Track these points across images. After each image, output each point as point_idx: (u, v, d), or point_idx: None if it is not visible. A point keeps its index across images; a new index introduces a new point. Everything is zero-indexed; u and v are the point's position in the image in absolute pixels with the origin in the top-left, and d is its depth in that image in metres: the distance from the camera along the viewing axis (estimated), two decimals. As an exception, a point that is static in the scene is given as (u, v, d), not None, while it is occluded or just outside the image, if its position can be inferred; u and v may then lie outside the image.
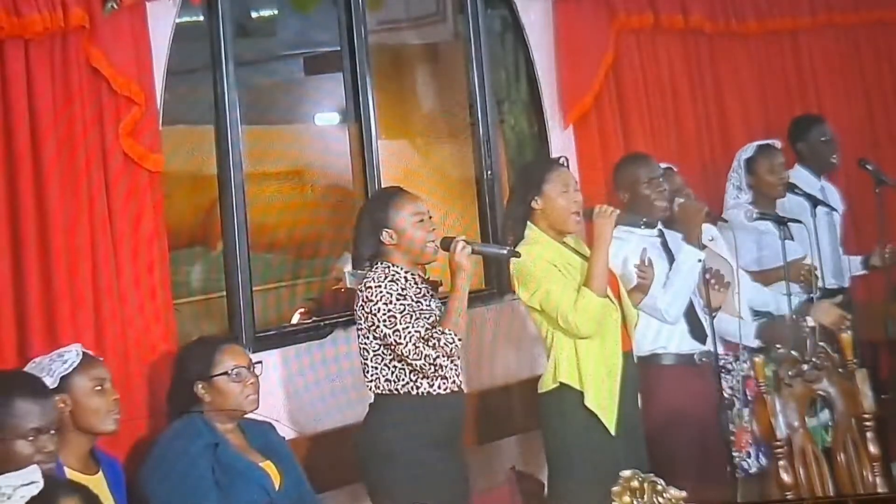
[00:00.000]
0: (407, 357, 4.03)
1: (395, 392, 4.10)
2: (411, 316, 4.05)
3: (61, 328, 3.79)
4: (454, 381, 4.15)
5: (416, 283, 4.15)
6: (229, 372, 3.88)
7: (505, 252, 4.34)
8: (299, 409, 4.56)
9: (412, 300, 4.09)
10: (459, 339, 4.08)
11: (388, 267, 4.12)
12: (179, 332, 4.25)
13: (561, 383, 4.38)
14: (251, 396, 3.91)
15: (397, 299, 4.05)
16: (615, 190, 4.94)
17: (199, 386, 3.87)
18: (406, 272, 4.14)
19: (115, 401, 3.65)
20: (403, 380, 4.10)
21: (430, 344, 4.02)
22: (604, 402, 4.37)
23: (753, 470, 4.80)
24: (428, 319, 4.10)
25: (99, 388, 3.61)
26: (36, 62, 3.79)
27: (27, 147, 3.77)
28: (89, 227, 3.91)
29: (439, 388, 4.11)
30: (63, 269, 3.82)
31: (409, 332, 4.03)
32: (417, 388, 4.10)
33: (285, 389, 4.54)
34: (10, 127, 3.75)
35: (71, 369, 3.57)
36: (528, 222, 4.48)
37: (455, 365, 4.16)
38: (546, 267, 4.38)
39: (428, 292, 4.20)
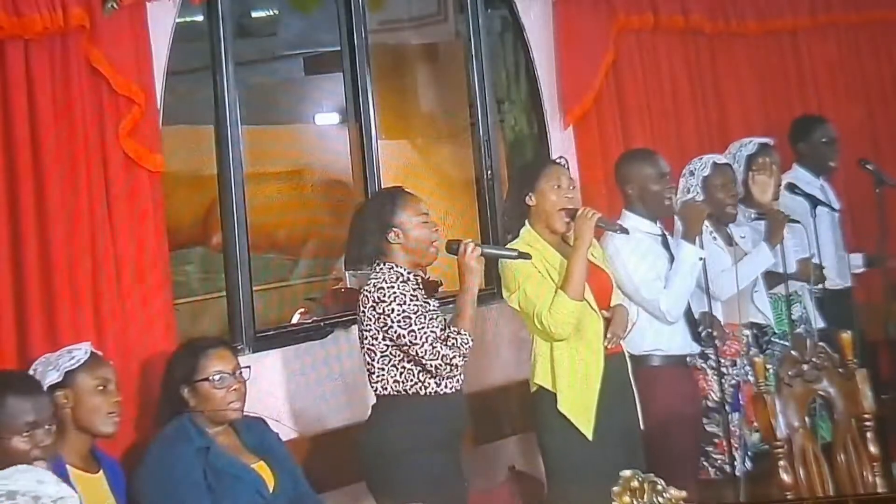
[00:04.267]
0: (423, 357, 4.02)
1: (403, 392, 4.09)
2: (425, 316, 4.05)
3: (61, 328, 3.79)
4: (458, 381, 4.15)
5: (418, 285, 4.15)
6: (210, 378, 3.82)
7: (515, 255, 4.29)
8: (300, 409, 4.56)
9: (422, 301, 4.09)
10: (472, 339, 4.09)
11: (392, 268, 4.10)
12: (179, 332, 4.25)
13: (538, 385, 4.38)
14: (234, 404, 3.84)
15: (410, 300, 4.04)
16: (619, 184, 4.89)
17: (185, 390, 3.84)
18: (409, 273, 4.13)
19: (116, 402, 3.67)
20: (412, 380, 4.08)
21: (448, 344, 4.03)
22: (579, 406, 4.32)
23: (740, 471, 4.81)
24: (437, 319, 4.10)
25: (101, 387, 3.64)
26: (36, 62, 3.79)
27: (27, 147, 3.77)
28: (89, 227, 3.91)
29: (445, 387, 4.11)
30: (63, 269, 3.82)
31: (425, 333, 4.02)
32: (426, 387, 4.09)
33: (285, 389, 4.54)
34: (10, 127, 3.75)
35: (77, 365, 3.60)
36: (526, 221, 4.46)
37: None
38: (525, 268, 4.34)
39: (428, 293, 4.20)
